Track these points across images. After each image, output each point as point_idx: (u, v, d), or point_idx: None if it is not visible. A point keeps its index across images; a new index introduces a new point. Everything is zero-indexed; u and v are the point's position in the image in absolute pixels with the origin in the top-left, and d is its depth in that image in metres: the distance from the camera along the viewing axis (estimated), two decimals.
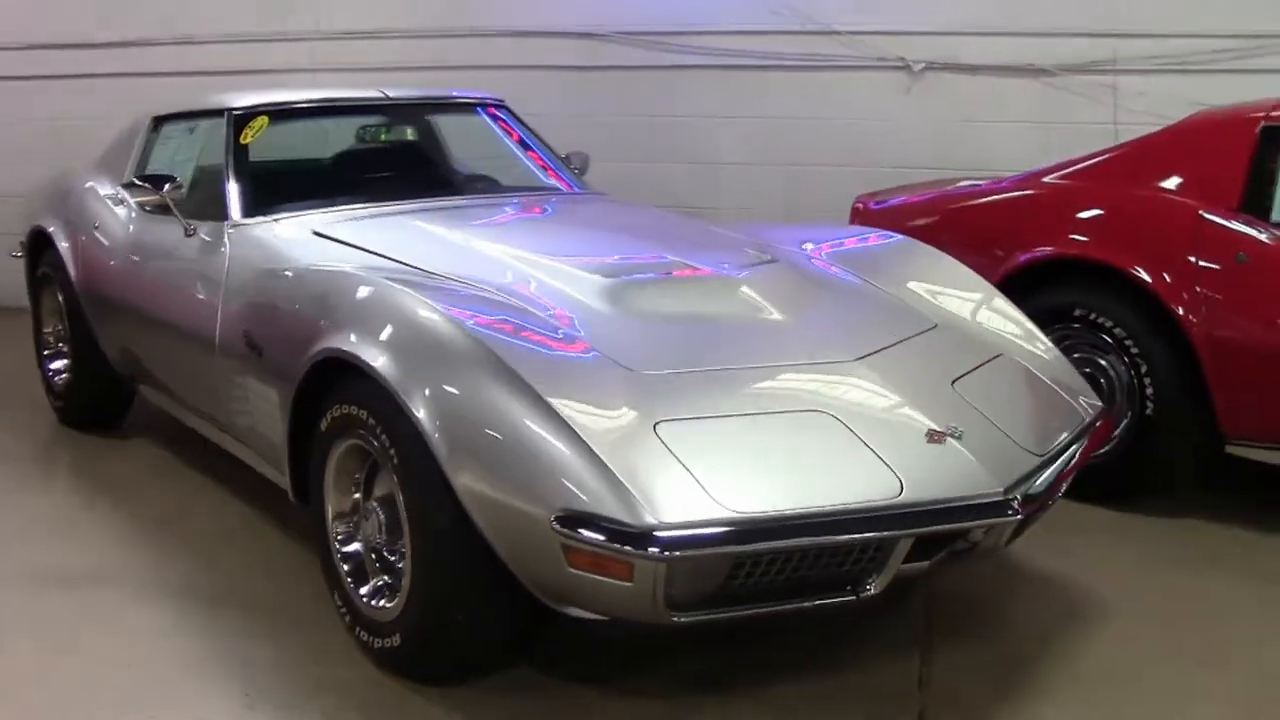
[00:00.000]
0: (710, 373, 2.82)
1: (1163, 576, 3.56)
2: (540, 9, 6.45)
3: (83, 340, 4.66)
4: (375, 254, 3.42)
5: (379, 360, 2.76)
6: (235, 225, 3.83)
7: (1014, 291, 4.20)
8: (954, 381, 2.96)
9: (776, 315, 3.09)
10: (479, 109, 4.81)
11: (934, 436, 2.69)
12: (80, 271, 4.62)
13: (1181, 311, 3.82)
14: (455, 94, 4.81)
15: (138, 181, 4.02)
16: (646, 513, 2.35)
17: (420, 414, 2.64)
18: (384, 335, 2.81)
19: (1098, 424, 3.17)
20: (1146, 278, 3.89)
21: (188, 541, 3.78)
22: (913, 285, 3.55)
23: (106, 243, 4.47)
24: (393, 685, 2.88)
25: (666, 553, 2.34)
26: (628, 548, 2.35)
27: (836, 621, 3.17)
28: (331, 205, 3.93)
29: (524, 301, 2.99)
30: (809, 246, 3.78)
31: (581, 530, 2.38)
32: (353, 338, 2.88)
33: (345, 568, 3.03)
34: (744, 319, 3.08)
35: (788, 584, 2.58)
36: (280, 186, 4.09)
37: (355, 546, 3.04)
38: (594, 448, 2.44)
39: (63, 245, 4.72)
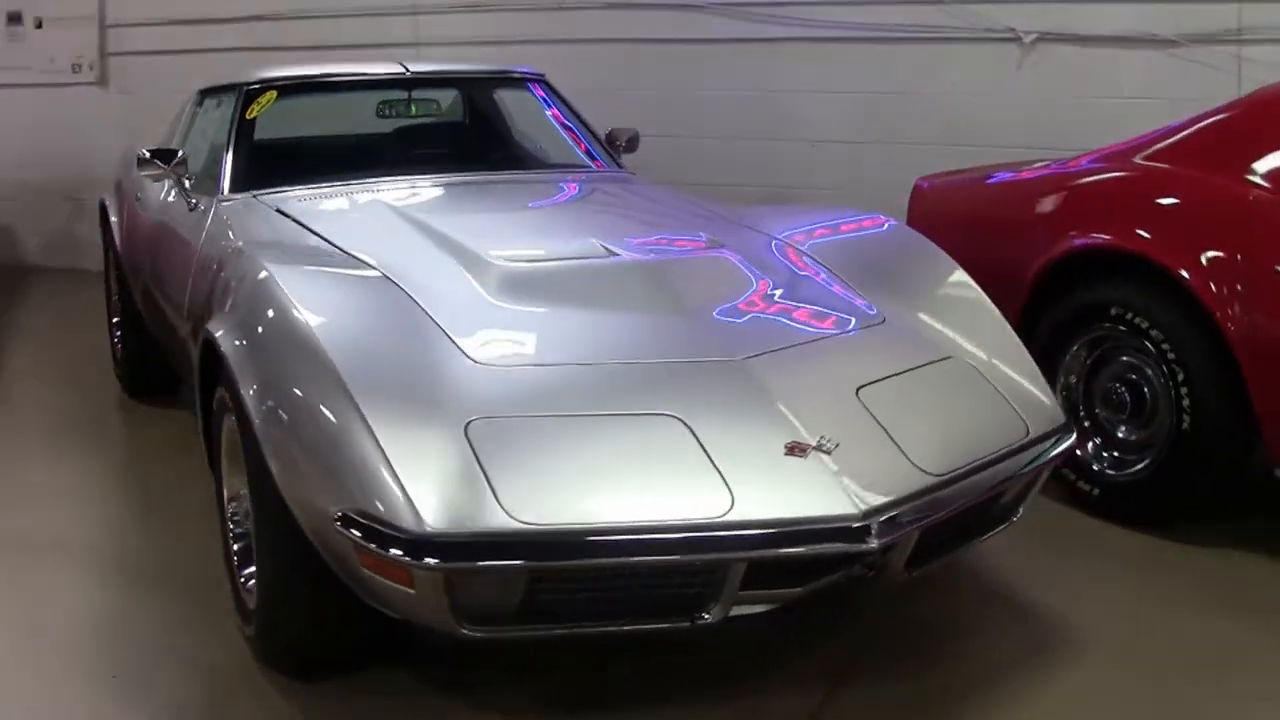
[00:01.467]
0: (565, 367, 2.60)
1: (1165, 615, 3.09)
2: None
3: (128, 308, 4.79)
4: (313, 232, 3.34)
5: (228, 344, 2.68)
6: (222, 200, 3.83)
7: (1055, 287, 3.82)
8: (862, 387, 2.63)
9: (682, 306, 2.83)
10: (526, 84, 4.66)
11: (794, 449, 2.38)
12: (123, 241, 4.75)
13: (1221, 313, 3.31)
14: (484, 69, 4.68)
15: (146, 155, 4.06)
16: (423, 519, 2.18)
17: (248, 400, 2.54)
18: (241, 319, 2.74)
19: (1051, 442, 2.77)
20: (1183, 272, 3.39)
21: (163, 518, 3.79)
22: (884, 277, 3.21)
23: (142, 214, 4.56)
24: (257, 676, 2.78)
25: (440, 562, 2.17)
26: (402, 555, 2.18)
27: (760, 641, 2.89)
28: (319, 182, 3.88)
29: (416, 290, 2.82)
30: (793, 233, 3.46)
31: (359, 533, 2.23)
32: (222, 320, 2.82)
33: (235, 547, 2.96)
34: (642, 309, 2.83)
35: (612, 604, 2.35)
36: (283, 163, 4.07)
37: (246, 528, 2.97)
38: (385, 447, 2.27)
39: (113, 217, 4.87)
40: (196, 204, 3.95)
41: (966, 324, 3.02)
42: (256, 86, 4.18)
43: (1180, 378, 3.44)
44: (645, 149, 6.14)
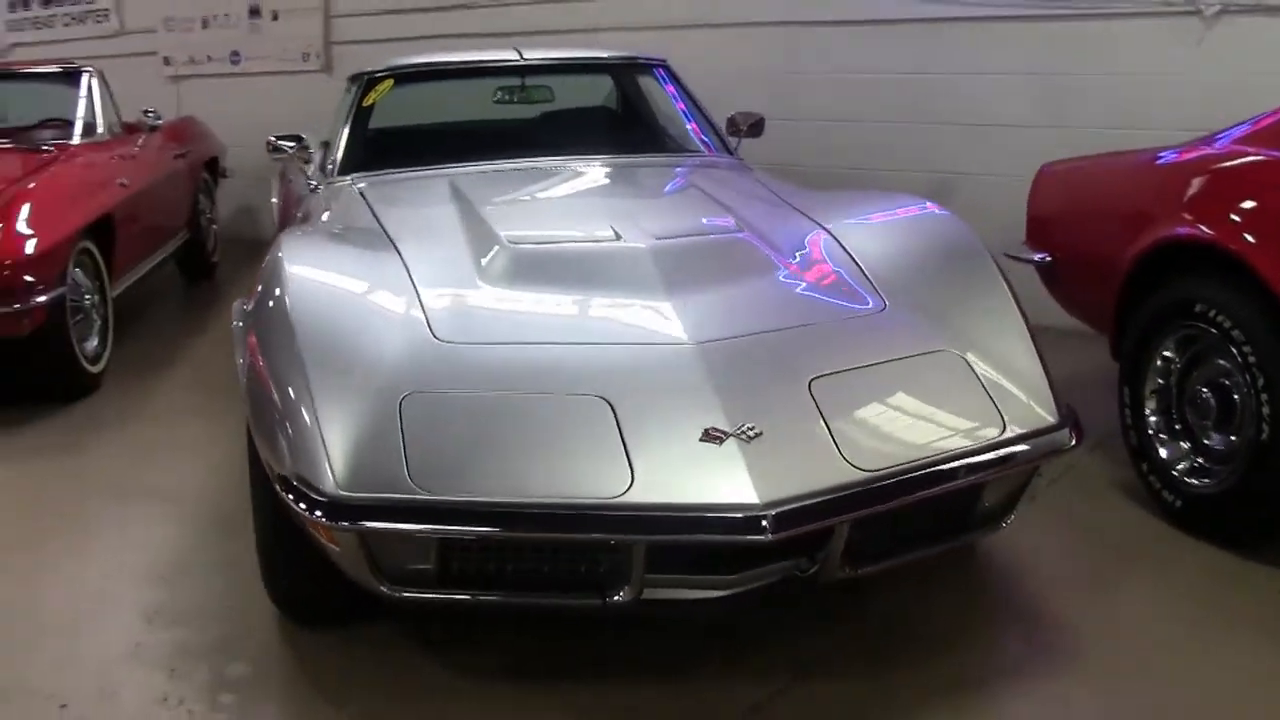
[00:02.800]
0: (521, 347, 2.68)
1: (1194, 639, 2.88)
2: None
3: None
4: (374, 213, 3.55)
5: (237, 317, 2.93)
6: (331, 182, 4.12)
7: (1148, 280, 3.58)
8: (817, 378, 2.58)
9: (664, 291, 2.84)
10: (648, 70, 4.74)
11: (710, 435, 2.38)
12: (277, 219, 5.14)
13: None
14: (598, 55, 4.79)
15: (273, 140, 4.39)
16: (336, 483, 2.33)
17: (239, 367, 2.76)
18: (254, 295, 2.95)
19: (1031, 443, 2.61)
20: (1262, 266, 3.10)
21: None
22: (912, 268, 3.09)
23: (289, 192, 4.94)
24: (273, 624, 3.00)
25: (346, 523, 2.31)
26: (318, 515, 2.33)
27: (730, 629, 2.89)
28: (415, 167, 4.11)
29: (419, 269, 2.97)
30: (841, 221, 3.37)
31: (290, 494, 2.39)
32: (247, 297, 3.06)
33: None
34: (623, 292, 2.88)
35: (523, 577, 2.44)
36: (391, 148, 4.32)
37: None
38: (320, 416, 2.43)
39: (273, 197, 5.28)
40: (316, 186, 4.24)
41: (979, 318, 2.87)
42: (378, 74, 4.45)
43: (1260, 383, 3.16)
44: (800, 133, 6.09)
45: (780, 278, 3.01)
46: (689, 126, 4.56)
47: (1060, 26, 5.50)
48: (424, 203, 3.69)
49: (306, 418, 2.43)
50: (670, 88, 4.69)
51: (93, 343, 5.05)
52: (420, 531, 2.31)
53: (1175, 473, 3.47)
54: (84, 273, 4.96)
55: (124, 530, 3.67)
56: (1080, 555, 3.34)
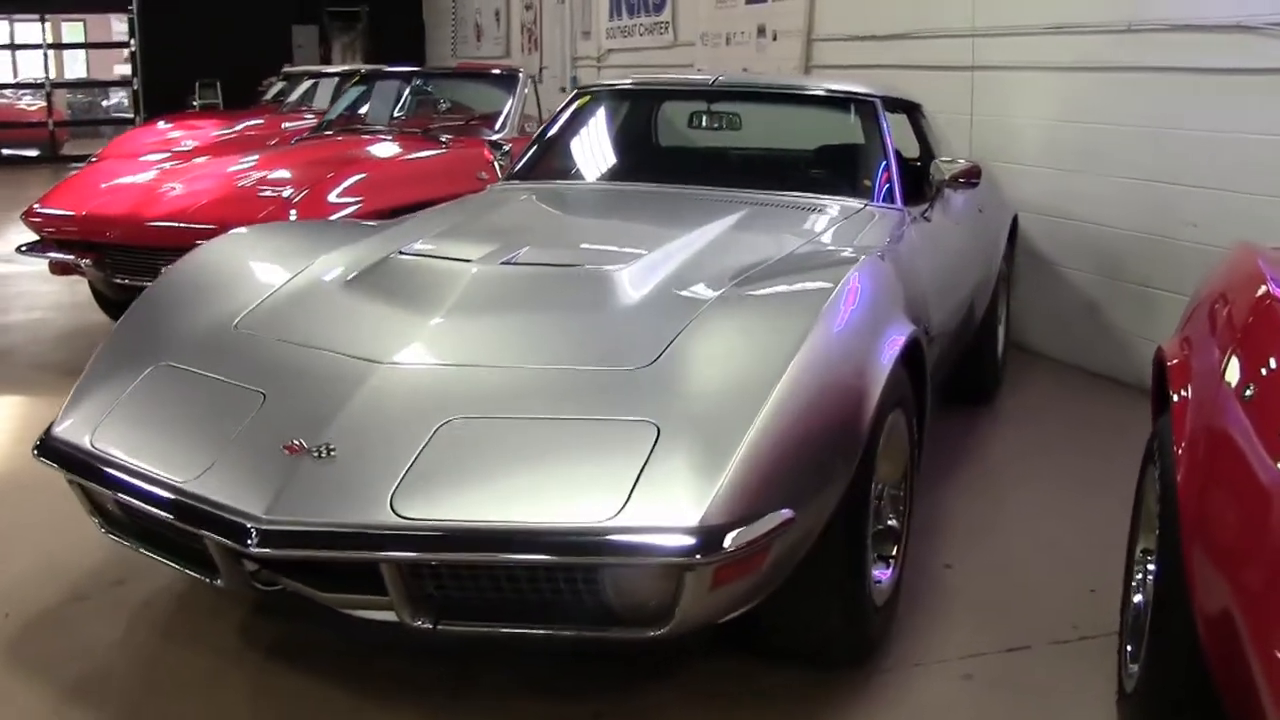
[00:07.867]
0: (276, 343, 2.91)
1: None
2: None
3: None
4: (427, 216, 3.93)
5: None
6: (504, 183, 4.52)
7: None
8: (456, 419, 2.50)
9: (440, 312, 2.90)
10: (849, 106, 4.50)
11: (291, 447, 2.45)
12: None
13: (1182, 470, 2.26)
14: (790, 84, 4.72)
15: (497, 144, 4.88)
16: (52, 429, 2.81)
17: None
18: None
19: (623, 543, 2.26)
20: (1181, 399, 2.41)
21: None
22: (746, 331, 2.78)
23: None
24: None
25: (54, 465, 2.75)
26: (35, 451, 2.81)
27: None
28: (557, 180, 4.44)
29: (322, 265, 3.31)
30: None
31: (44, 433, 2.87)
32: None
33: None
34: (408, 308, 2.96)
35: (163, 540, 2.69)
36: (559, 161, 4.60)
37: None
38: (86, 373, 2.91)
39: None
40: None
41: (724, 402, 2.49)
42: (585, 91, 4.75)
43: (1152, 555, 2.43)
44: (1169, 199, 5.22)
45: (589, 319, 2.88)
46: (864, 167, 4.25)
47: None
48: (478, 212, 3.96)
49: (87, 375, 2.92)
50: (875, 128, 4.38)
51: None
52: (69, 479, 2.68)
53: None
54: None
55: None
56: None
